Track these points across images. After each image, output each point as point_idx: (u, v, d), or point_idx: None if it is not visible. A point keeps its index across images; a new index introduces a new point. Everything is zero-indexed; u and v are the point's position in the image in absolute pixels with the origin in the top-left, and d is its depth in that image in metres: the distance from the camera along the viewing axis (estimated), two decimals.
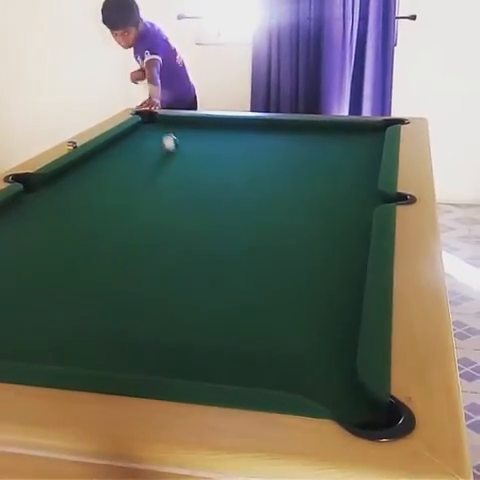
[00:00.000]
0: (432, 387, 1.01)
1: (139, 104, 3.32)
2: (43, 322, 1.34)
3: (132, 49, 3.60)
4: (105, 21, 3.41)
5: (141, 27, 3.52)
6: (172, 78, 3.63)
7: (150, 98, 3.38)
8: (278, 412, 0.94)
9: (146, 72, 3.53)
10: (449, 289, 1.39)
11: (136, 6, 3.47)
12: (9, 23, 4.67)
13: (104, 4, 3.39)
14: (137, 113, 3.13)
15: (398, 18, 4.14)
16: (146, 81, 3.54)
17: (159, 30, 3.62)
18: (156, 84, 3.45)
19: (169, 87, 3.55)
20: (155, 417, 0.95)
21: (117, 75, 4.61)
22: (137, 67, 3.68)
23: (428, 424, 0.92)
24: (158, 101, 3.36)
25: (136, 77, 3.70)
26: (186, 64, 3.76)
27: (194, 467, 0.88)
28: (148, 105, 3.27)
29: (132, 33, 3.49)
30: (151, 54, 3.49)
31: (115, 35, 3.50)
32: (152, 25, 3.60)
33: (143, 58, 3.50)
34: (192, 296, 1.44)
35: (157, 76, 3.47)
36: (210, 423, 0.93)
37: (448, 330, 1.18)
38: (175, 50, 3.69)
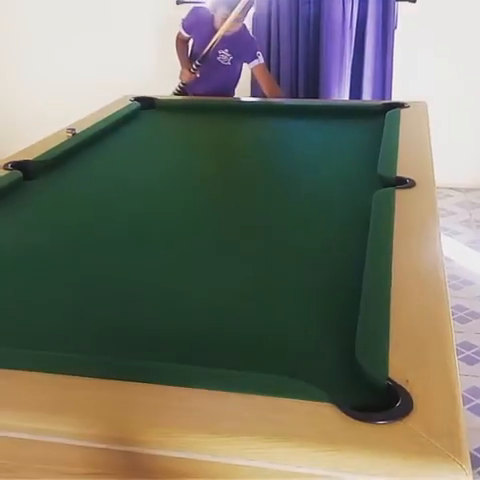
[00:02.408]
0: (430, 370, 1.01)
1: None
2: (43, 307, 1.34)
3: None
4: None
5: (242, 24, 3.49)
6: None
7: None
8: (275, 395, 0.95)
9: (263, 75, 3.55)
10: (450, 273, 1.39)
11: None
12: (10, 8, 4.63)
13: None
14: (136, 99, 3.11)
15: (398, 1, 4.11)
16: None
17: None
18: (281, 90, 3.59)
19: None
20: (153, 401, 0.95)
21: (115, 62, 4.60)
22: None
23: (426, 406, 0.92)
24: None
25: (190, 80, 3.57)
26: None
27: (192, 450, 0.88)
28: None
29: (241, 23, 3.43)
30: (262, 58, 3.50)
31: (234, 18, 3.28)
32: None
33: (251, 58, 3.49)
34: (191, 280, 1.45)
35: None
36: (208, 407, 0.94)
37: (446, 313, 1.18)
38: None
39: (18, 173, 2.05)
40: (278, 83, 4.10)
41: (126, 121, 2.82)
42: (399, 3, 4.12)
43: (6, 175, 2.02)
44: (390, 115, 2.67)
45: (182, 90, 3.60)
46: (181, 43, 3.64)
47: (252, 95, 4.31)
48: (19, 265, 1.55)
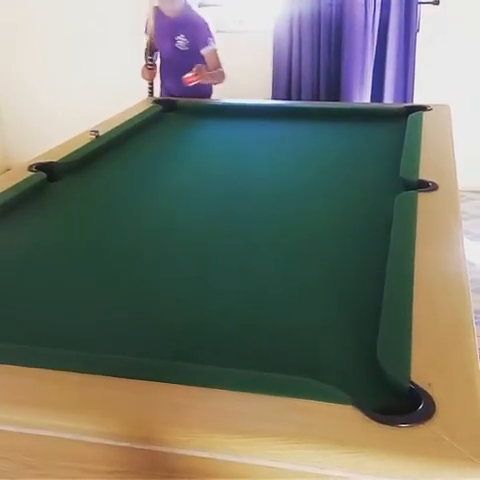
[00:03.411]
0: (452, 373, 1.01)
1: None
2: (65, 308, 1.36)
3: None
4: None
5: (189, 7, 3.48)
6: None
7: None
8: (298, 397, 0.95)
9: (212, 62, 3.48)
10: (472, 277, 1.38)
11: None
12: (30, 11, 4.68)
13: None
14: (157, 102, 3.13)
15: (420, 3, 4.08)
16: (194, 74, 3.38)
17: None
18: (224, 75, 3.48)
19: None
20: (176, 401, 0.96)
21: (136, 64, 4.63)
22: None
23: (448, 410, 0.92)
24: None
25: (152, 77, 3.59)
26: None
27: (214, 450, 0.89)
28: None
29: (180, 2, 3.40)
30: (214, 43, 3.47)
31: None
32: None
33: (204, 45, 3.45)
34: (213, 283, 1.46)
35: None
36: (231, 407, 0.95)
37: (469, 317, 1.18)
38: None
39: (42, 174, 2.08)
40: (300, 84, 4.13)
41: (148, 123, 2.84)
42: (421, 5, 4.10)
43: (30, 176, 2.05)
44: (412, 118, 2.66)
45: (152, 89, 3.63)
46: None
47: (273, 93, 4.31)
48: (41, 266, 1.57)
